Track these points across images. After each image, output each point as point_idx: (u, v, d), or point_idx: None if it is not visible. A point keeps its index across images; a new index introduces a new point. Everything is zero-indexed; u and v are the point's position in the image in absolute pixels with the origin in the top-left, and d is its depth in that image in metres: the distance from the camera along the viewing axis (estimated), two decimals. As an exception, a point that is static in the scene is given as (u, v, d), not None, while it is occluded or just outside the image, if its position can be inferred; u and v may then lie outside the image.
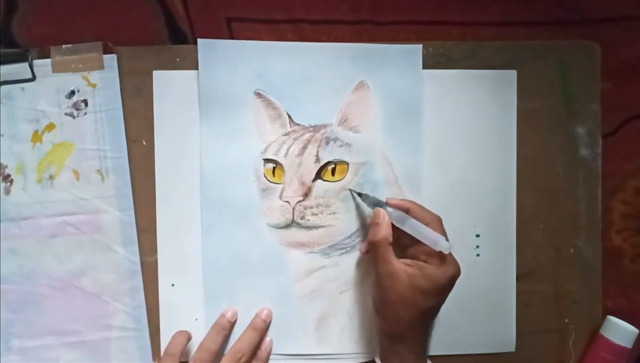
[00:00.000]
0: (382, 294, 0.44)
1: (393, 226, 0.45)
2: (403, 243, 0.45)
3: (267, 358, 0.49)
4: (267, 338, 0.50)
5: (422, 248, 0.43)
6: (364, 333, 0.50)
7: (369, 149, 0.50)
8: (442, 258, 0.43)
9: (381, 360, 0.47)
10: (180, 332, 0.49)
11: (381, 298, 0.44)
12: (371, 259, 0.45)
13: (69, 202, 0.49)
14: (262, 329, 0.49)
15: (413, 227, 0.44)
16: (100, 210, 0.49)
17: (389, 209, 0.45)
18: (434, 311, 0.45)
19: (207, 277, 0.49)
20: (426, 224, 0.44)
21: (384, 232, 0.44)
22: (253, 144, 0.50)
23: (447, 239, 0.43)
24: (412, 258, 0.44)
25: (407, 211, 0.45)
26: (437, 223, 0.45)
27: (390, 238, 0.44)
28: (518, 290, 0.51)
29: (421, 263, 0.43)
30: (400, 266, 0.43)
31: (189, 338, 0.49)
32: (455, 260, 0.44)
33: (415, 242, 0.44)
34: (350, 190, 0.49)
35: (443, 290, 0.43)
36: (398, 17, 0.50)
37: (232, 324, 0.49)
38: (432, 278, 0.42)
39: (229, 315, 0.49)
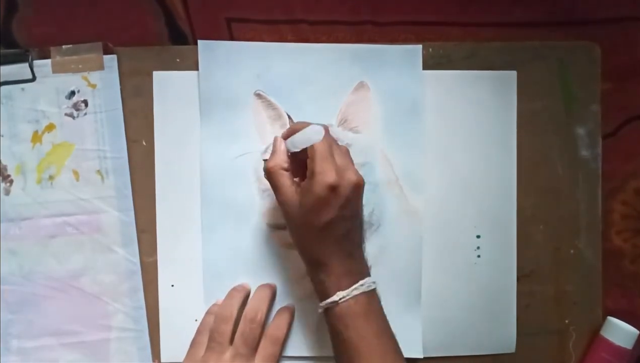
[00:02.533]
0: (287, 223, 0.44)
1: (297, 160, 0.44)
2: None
3: (292, 316, 0.49)
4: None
5: (308, 166, 0.42)
6: (364, 334, 0.50)
7: (369, 149, 0.50)
8: (316, 170, 0.41)
9: (315, 292, 0.45)
10: (209, 313, 0.48)
11: (288, 227, 0.44)
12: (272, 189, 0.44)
13: (68, 203, 0.49)
14: (270, 287, 0.49)
15: (296, 139, 0.42)
16: (100, 210, 0.49)
17: (287, 140, 0.44)
18: (334, 227, 0.42)
19: (207, 277, 0.49)
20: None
21: (278, 158, 0.43)
22: (253, 144, 0.50)
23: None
24: None
25: (293, 132, 0.44)
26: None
27: (285, 164, 0.43)
28: (518, 291, 0.51)
29: (304, 181, 0.42)
30: (293, 188, 0.42)
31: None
32: (337, 169, 0.41)
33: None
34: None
35: (327, 202, 0.41)
36: (398, 18, 0.50)
37: (247, 290, 0.49)
38: (311, 192, 0.41)
39: (241, 283, 0.49)
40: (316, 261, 0.43)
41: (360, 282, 0.42)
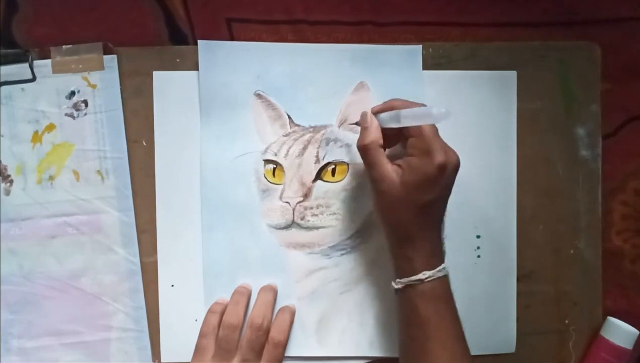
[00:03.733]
0: (379, 200, 0.43)
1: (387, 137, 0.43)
2: (396, 153, 0.44)
3: (293, 317, 0.49)
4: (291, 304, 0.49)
5: (411, 143, 0.42)
6: (364, 334, 0.50)
7: (369, 149, 0.50)
8: (426, 149, 0.41)
9: (393, 267, 0.45)
10: (211, 312, 0.48)
11: (379, 204, 0.43)
12: (365, 166, 0.44)
13: (68, 203, 0.49)
14: (272, 290, 0.49)
15: (407, 115, 0.42)
16: (100, 210, 0.49)
17: (381, 115, 0.44)
18: (433, 206, 0.42)
19: (207, 277, 0.49)
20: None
21: (373, 135, 0.43)
22: (253, 144, 0.50)
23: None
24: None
25: (392, 109, 0.44)
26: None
27: (380, 141, 0.43)
28: (518, 291, 0.51)
29: (409, 158, 0.42)
30: (392, 167, 0.42)
31: (223, 313, 0.48)
32: (444, 149, 0.41)
33: (405, 144, 0.43)
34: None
35: (434, 181, 0.41)
36: (398, 18, 0.50)
37: (249, 291, 0.49)
38: (419, 171, 0.41)
39: (242, 284, 0.49)
40: (407, 237, 0.42)
41: (443, 265, 0.43)
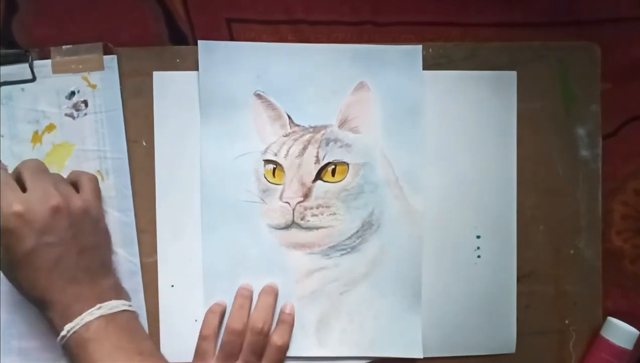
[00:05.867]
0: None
1: None
2: None
3: (293, 321, 0.49)
4: (288, 303, 0.49)
5: None
6: (364, 334, 0.50)
7: (369, 149, 0.50)
8: None
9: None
10: (211, 312, 0.48)
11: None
12: None
13: (68, 203, 0.49)
14: (273, 292, 0.49)
15: None
16: (100, 210, 0.49)
17: None
18: (34, 257, 0.39)
19: (207, 278, 0.49)
20: None
21: None
22: (253, 144, 0.49)
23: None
24: None
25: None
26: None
27: None
28: (518, 291, 0.51)
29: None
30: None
31: (223, 314, 0.48)
32: (18, 196, 0.39)
33: None
34: None
35: (15, 230, 0.38)
36: (398, 18, 0.50)
37: (252, 293, 0.49)
38: None
39: (244, 286, 0.49)
40: (37, 299, 0.40)
41: (98, 306, 0.40)
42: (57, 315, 0.39)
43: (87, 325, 0.39)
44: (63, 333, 0.39)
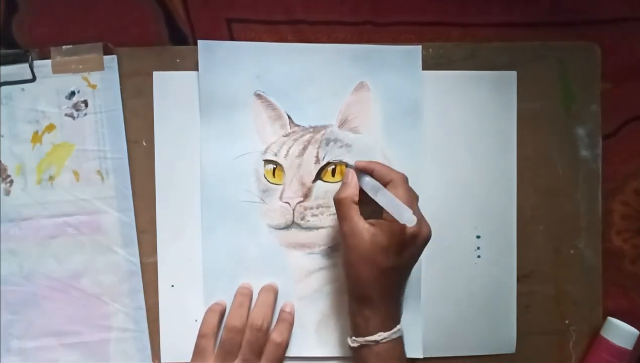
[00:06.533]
0: (345, 254, 0.44)
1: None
2: (374, 208, 0.44)
3: (293, 320, 0.49)
4: (289, 303, 0.49)
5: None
6: (364, 334, 0.50)
7: (369, 149, 0.50)
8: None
9: (350, 323, 0.46)
10: (211, 311, 0.48)
11: (345, 258, 0.44)
12: (337, 219, 0.45)
13: (68, 203, 0.49)
14: (273, 290, 0.49)
15: (383, 197, 0.43)
16: (100, 211, 0.49)
17: (367, 178, 0.45)
18: (396, 272, 0.43)
19: (207, 278, 0.49)
20: (389, 181, 0.44)
21: (349, 191, 0.44)
22: (253, 145, 0.50)
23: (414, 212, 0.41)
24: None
25: (372, 172, 0.45)
26: (401, 182, 0.44)
27: (356, 198, 0.44)
28: (518, 291, 0.51)
29: (383, 221, 0.43)
30: (363, 224, 0.43)
31: (222, 313, 0.49)
32: (420, 220, 0.42)
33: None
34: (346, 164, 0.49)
35: (403, 247, 0.42)
36: (398, 18, 0.50)
37: (251, 292, 0.49)
38: (391, 235, 0.42)
39: (244, 285, 0.49)
40: (366, 297, 0.43)
41: (398, 327, 0.44)
42: (376, 319, 0.43)
43: (394, 341, 0.43)
44: (375, 338, 0.43)
